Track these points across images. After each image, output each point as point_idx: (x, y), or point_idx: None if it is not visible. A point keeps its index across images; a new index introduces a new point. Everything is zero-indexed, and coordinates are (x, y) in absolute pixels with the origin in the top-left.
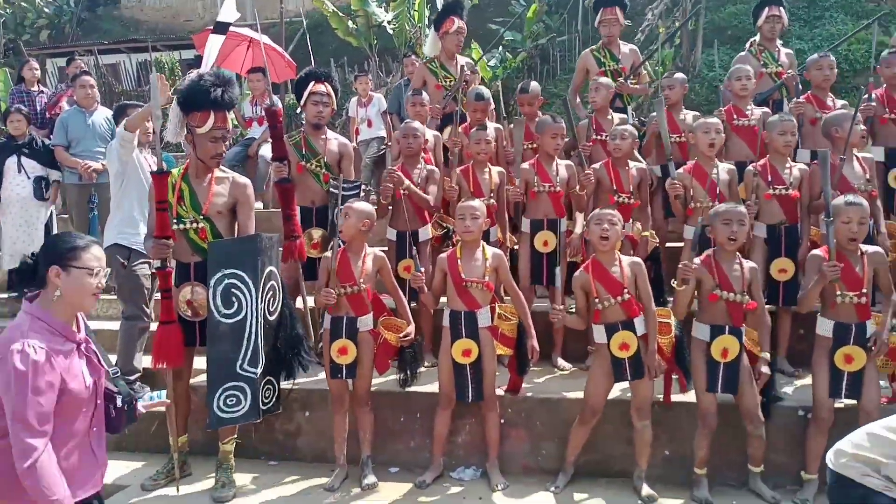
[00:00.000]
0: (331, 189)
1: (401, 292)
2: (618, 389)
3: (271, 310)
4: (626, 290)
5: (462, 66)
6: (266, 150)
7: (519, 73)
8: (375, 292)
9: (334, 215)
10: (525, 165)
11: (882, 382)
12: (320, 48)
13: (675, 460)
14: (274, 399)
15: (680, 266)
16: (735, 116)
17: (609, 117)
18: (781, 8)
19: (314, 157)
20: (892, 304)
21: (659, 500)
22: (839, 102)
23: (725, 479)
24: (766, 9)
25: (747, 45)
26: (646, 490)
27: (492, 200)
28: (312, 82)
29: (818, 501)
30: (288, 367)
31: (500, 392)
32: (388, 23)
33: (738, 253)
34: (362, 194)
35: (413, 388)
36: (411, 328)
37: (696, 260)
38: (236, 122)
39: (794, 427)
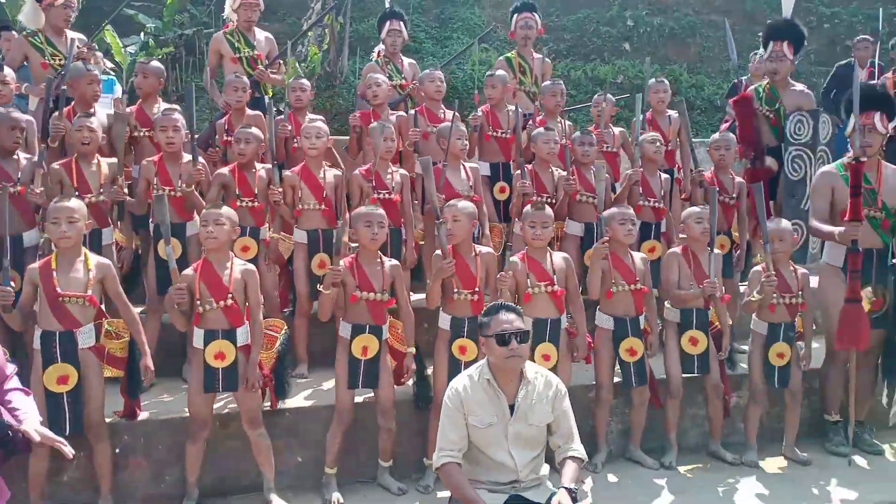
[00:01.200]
0: None
1: None
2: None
3: None
4: (230, 295)
5: (73, 40)
6: None
7: (162, 64)
8: None
9: None
10: (144, 163)
11: None
12: None
13: (308, 466)
14: None
15: (328, 270)
16: (372, 121)
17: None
18: (401, 23)
19: None
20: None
21: None
22: (449, 114)
23: (356, 476)
24: (388, 23)
25: (373, 55)
26: (276, 501)
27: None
28: None
29: (439, 485)
30: None
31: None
32: None
33: (379, 252)
34: None
35: None
36: None
37: (342, 262)
38: None
39: (413, 419)
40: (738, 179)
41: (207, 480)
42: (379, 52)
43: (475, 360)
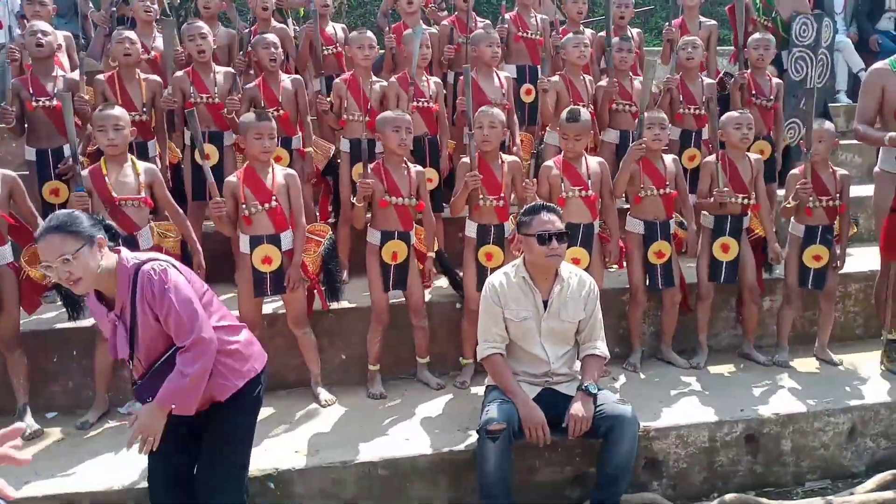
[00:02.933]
0: None
1: (40, 220)
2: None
3: None
4: (274, 198)
5: None
6: None
7: None
8: (17, 219)
9: None
10: (178, 74)
11: None
12: None
13: (352, 363)
14: None
15: (359, 183)
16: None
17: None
18: None
19: None
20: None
21: (337, 401)
22: (481, 23)
23: (397, 373)
24: None
25: None
26: (324, 395)
27: None
28: None
29: (475, 381)
30: None
31: None
32: None
33: (404, 157)
34: None
35: (64, 325)
36: None
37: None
38: None
39: (451, 319)
40: (776, 80)
41: None
42: None
43: (501, 266)
